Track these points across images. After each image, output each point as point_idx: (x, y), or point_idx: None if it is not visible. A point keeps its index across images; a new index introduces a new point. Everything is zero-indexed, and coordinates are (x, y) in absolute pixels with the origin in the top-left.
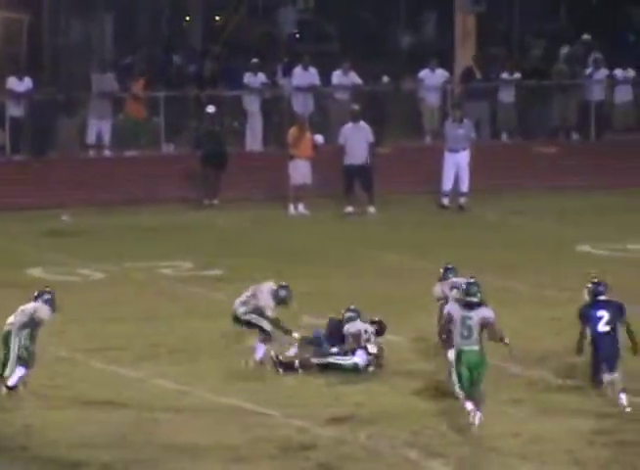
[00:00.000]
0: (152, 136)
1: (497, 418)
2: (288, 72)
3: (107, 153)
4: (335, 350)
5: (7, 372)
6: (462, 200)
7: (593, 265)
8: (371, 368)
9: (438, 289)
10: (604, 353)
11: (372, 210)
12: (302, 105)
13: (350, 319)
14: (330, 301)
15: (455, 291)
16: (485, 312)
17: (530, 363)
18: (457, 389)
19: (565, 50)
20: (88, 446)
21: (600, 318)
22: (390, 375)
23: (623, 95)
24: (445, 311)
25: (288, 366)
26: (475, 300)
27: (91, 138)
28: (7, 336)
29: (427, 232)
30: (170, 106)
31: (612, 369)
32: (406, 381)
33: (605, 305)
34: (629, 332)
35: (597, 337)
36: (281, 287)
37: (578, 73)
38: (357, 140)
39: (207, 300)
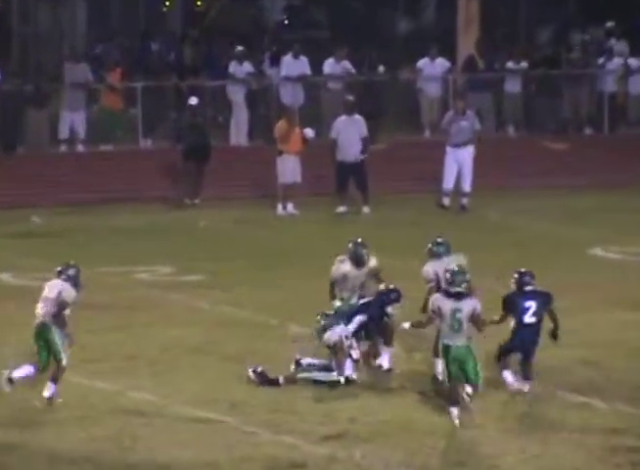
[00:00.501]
0: (129, 129)
1: (498, 435)
2: (276, 61)
3: (80, 148)
4: (320, 363)
5: (64, 361)
6: (464, 200)
7: (605, 270)
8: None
9: (429, 269)
10: (524, 345)
11: (366, 210)
12: (292, 96)
13: (329, 326)
14: (320, 306)
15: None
16: (475, 303)
17: (538, 377)
18: (446, 386)
19: (582, 36)
20: (63, 463)
21: (527, 309)
22: (385, 389)
23: (639, 85)
24: (432, 306)
25: (271, 382)
26: (460, 290)
27: (64, 132)
28: (42, 328)
29: (424, 234)
30: (148, 97)
31: (527, 369)
32: (402, 395)
33: (533, 295)
34: (552, 313)
35: (522, 328)
36: (356, 244)
37: (591, 62)
38: (351, 134)
39: (188, 307)
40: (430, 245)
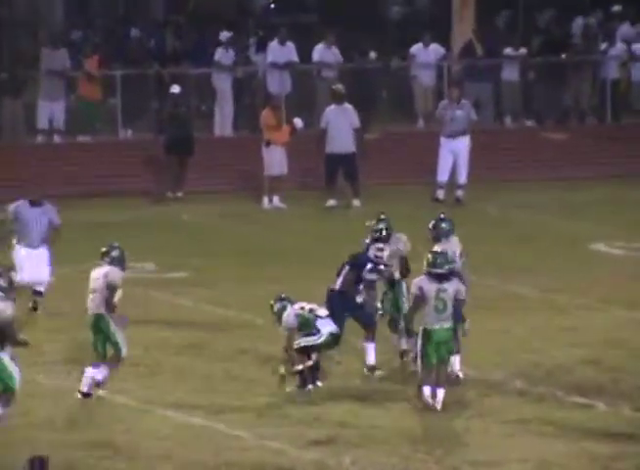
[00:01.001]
0: (108, 120)
1: (501, 441)
2: (262, 47)
3: (57, 139)
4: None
5: (124, 352)
6: (459, 192)
7: (607, 266)
8: None
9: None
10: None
11: (357, 203)
12: (278, 84)
13: (283, 309)
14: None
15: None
16: (460, 286)
17: (538, 379)
18: (419, 368)
19: (585, 21)
20: None
21: None
22: (377, 391)
23: None
24: (415, 288)
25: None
26: (441, 271)
27: (42, 122)
28: (97, 320)
29: (418, 229)
30: (128, 85)
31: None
32: (394, 399)
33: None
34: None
35: None
36: (378, 220)
37: (593, 48)
38: (341, 124)
39: (171, 305)
40: (433, 222)
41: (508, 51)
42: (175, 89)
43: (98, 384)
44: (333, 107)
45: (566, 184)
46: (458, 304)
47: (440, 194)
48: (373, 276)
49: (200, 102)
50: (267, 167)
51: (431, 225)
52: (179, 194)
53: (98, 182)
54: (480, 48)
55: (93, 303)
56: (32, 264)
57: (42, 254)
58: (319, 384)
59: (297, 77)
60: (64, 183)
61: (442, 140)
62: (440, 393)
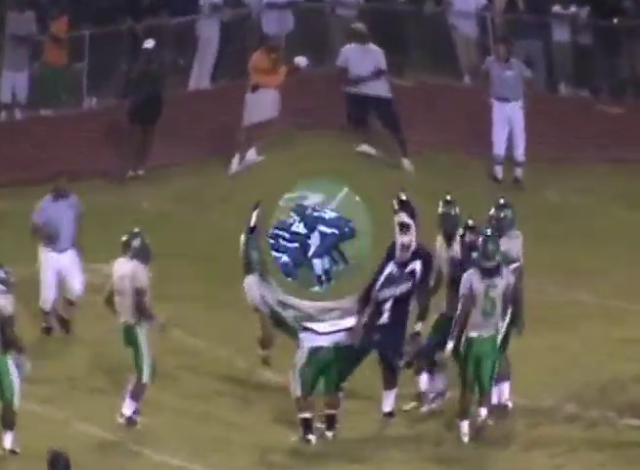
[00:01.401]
0: (73, 88)
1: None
2: None
3: (17, 113)
4: None
5: (145, 378)
6: (518, 171)
7: None
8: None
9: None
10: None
11: (407, 164)
12: (277, 24)
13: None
14: None
15: (482, 243)
16: (511, 277)
17: (590, 401)
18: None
19: None
20: None
21: None
22: (397, 439)
23: None
24: (464, 286)
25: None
26: (493, 264)
27: (6, 95)
28: (127, 331)
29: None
30: (98, 46)
31: None
32: (413, 450)
33: None
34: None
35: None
36: (447, 202)
37: None
38: (364, 65)
39: None
40: (493, 210)
41: (557, 9)
42: (149, 44)
43: (129, 419)
44: (353, 45)
45: (625, 166)
46: (514, 303)
47: (499, 172)
48: (385, 294)
49: (177, 55)
50: (247, 116)
51: (492, 213)
52: (140, 172)
53: (60, 163)
54: (521, 1)
55: (122, 308)
56: (59, 276)
57: (71, 259)
58: (329, 434)
59: (302, 16)
60: (24, 166)
61: (494, 103)
62: (483, 411)
